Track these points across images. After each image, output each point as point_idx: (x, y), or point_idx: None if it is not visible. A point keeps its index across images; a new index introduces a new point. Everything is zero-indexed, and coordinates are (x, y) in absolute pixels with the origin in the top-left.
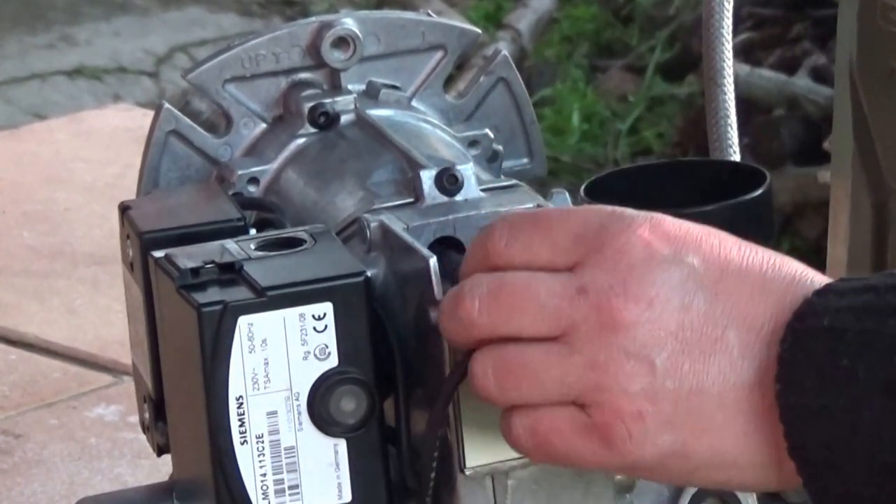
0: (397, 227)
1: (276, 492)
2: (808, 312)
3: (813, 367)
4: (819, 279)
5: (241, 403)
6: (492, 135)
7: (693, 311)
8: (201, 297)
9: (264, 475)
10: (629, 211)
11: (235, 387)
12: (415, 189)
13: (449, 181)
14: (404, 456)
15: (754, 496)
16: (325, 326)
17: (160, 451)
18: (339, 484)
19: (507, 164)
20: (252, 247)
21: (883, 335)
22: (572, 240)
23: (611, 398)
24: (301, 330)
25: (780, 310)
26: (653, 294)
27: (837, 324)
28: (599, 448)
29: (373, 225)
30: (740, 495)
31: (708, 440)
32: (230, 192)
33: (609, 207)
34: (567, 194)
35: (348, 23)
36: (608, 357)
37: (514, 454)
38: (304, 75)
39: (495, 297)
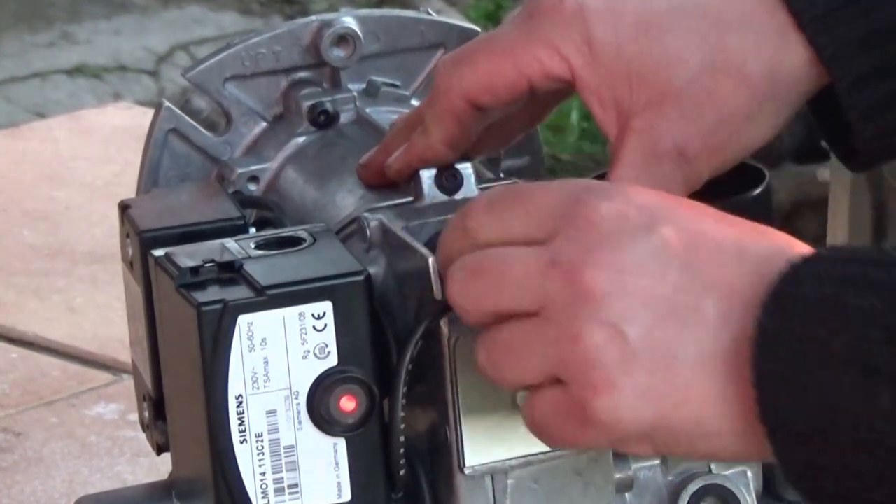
0: (397, 225)
1: (276, 490)
2: (792, 278)
3: (790, 335)
4: (804, 248)
5: (241, 402)
6: None
7: (667, 280)
8: (201, 296)
9: (263, 474)
10: (605, 183)
11: (235, 386)
12: (414, 188)
13: (448, 180)
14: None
15: (754, 496)
16: (325, 325)
17: (160, 449)
18: (339, 483)
19: (506, 162)
20: (252, 246)
21: (860, 309)
22: (547, 213)
23: (586, 371)
24: (301, 329)
25: (761, 277)
26: (625, 264)
27: (819, 293)
28: (581, 426)
29: (372, 224)
30: (740, 494)
31: (688, 410)
32: (230, 191)
33: (585, 181)
34: None
35: (348, 21)
36: (580, 329)
37: (514, 453)
38: (304, 74)
39: (473, 277)
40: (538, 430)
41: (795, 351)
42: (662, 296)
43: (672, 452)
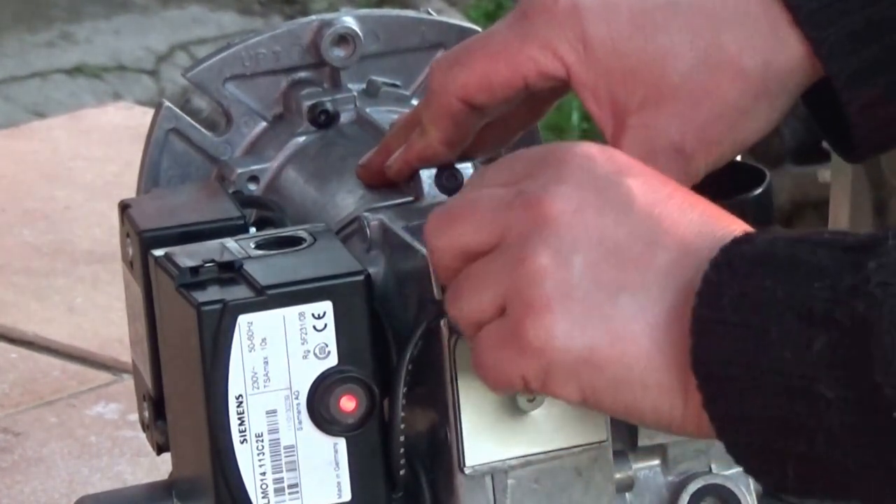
0: (397, 225)
1: (276, 490)
2: (744, 239)
3: (735, 285)
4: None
5: (241, 402)
6: None
7: (623, 225)
8: (201, 296)
9: (264, 474)
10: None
11: (235, 385)
12: (414, 188)
13: (448, 180)
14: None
15: (754, 496)
16: (325, 325)
17: (160, 449)
18: (339, 483)
19: None
20: (252, 245)
21: (810, 263)
22: (526, 160)
23: (525, 291)
24: (301, 329)
25: (715, 237)
26: (585, 200)
27: (769, 249)
28: (514, 354)
29: (372, 223)
30: (740, 494)
31: (620, 350)
32: (230, 191)
33: (573, 143)
34: None
35: (348, 21)
36: (527, 251)
37: (514, 453)
38: (304, 74)
39: (446, 212)
40: (480, 368)
41: (736, 300)
42: (615, 237)
43: (597, 399)
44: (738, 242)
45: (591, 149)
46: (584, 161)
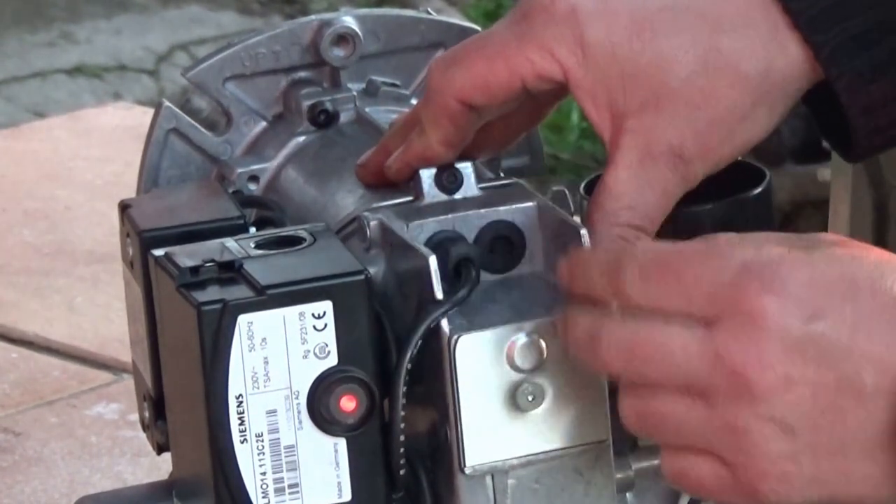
0: (397, 225)
1: (276, 490)
2: None
3: None
4: None
5: (241, 402)
6: None
7: (829, 372)
8: (201, 296)
9: (264, 474)
10: (762, 262)
11: (235, 385)
12: (414, 187)
13: (448, 179)
14: (396, 454)
15: None
16: (325, 325)
17: (160, 449)
18: (339, 483)
19: (506, 162)
20: (252, 245)
21: None
22: (706, 295)
23: (754, 461)
24: (301, 328)
25: None
26: (788, 363)
27: None
28: (747, 500)
29: (372, 223)
30: None
31: (855, 489)
32: (230, 191)
33: (739, 256)
34: (567, 192)
35: (348, 21)
36: (747, 423)
37: (514, 453)
38: (303, 73)
39: (631, 349)
40: (685, 485)
41: None
42: (825, 386)
43: None
44: None
45: (778, 295)
46: (777, 318)
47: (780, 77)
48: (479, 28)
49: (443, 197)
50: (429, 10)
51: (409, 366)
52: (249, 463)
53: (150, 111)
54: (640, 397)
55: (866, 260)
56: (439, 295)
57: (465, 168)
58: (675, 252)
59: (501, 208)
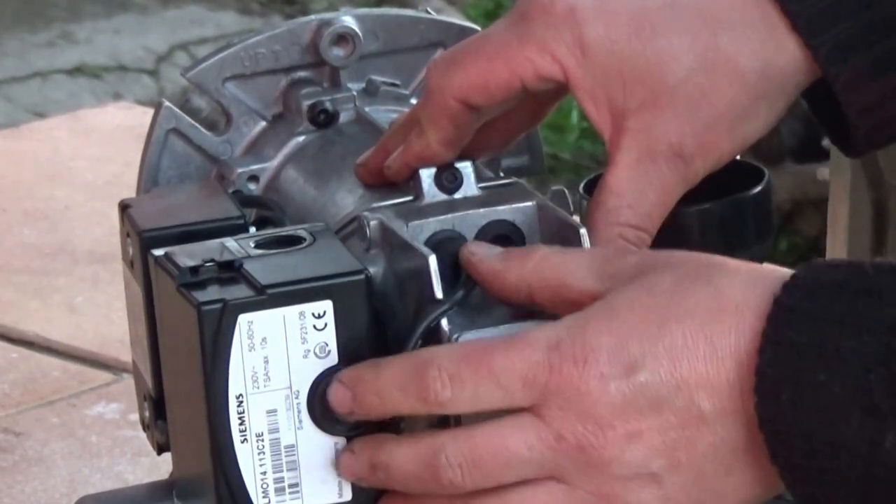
0: (397, 225)
1: (276, 490)
2: (784, 320)
3: (790, 382)
4: (783, 274)
5: (241, 402)
6: None
7: (666, 414)
8: (201, 296)
9: (264, 473)
10: (565, 335)
11: (235, 385)
12: (414, 187)
13: (448, 179)
14: None
15: None
16: (325, 324)
17: (160, 449)
18: (339, 482)
19: (506, 161)
20: (252, 245)
21: (861, 353)
22: (522, 382)
23: None
24: (301, 328)
25: (742, 331)
26: (625, 420)
27: (813, 338)
28: None
29: (372, 223)
30: None
31: (731, 500)
32: (230, 190)
33: (542, 335)
34: (566, 191)
35: (348, 20)
36: (612, 488)
37: None
38: (303, 73)
39: (476, 463)
40: None
41: (796, 396)
42: (668, 427)
43: None
44: (776, 327)
45: (588, 363)
46: (597, 383)
47: (779, 75)
48: (478, 28)
49: (442, 196)
50: (428, 9)
51: None
52: (250, 462)
53: (150, 111)
54: (502, 500)
55: (670, 287)
56: (439, 294)
57: (465, 168)
58: (477, 349)
59: (501, 208)
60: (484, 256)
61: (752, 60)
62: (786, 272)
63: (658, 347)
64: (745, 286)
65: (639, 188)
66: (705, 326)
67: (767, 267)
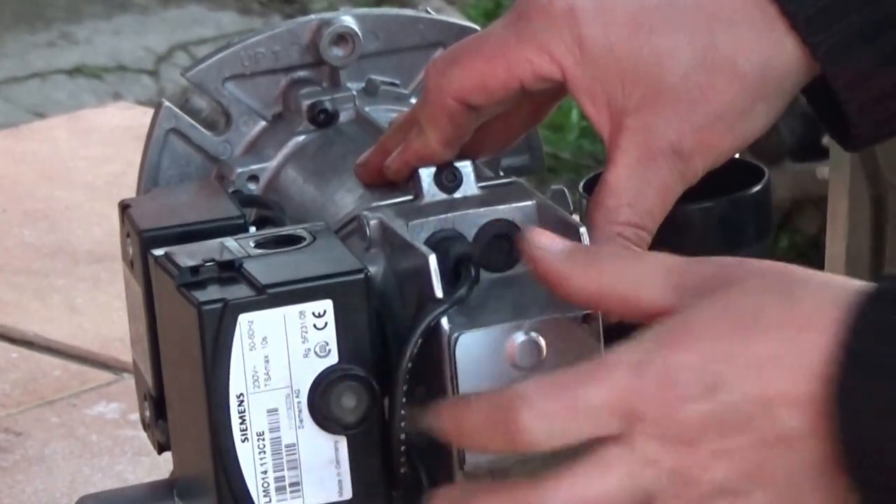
0: (397, 224)
1: (277, 489)
2: (866, 333)
3: (874, 400)
4: (842, 290)
5: (242, 401)
6: None
7: (750, 433)
8: (201, 296)
9: (265, 472)
10: (645, 359)
11: (236, 384)
12: (414, 186)
13: (448, 178)
14: (396, 452)
15: None
16: (326, 324)
17: (161, 448)
18: (340, 481)
19: (505, 160)
20: (252, 244)
21: None
22: (609, 412)
23: None
24: (301, 327)
25: (825, 346)
26: (709, 441)
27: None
28: None
29: (372, 222)
30: None
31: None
32: (230, 190)
33: (623, 361)
34: (566, 191)
35: (347, 20)
36: None
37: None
38: (303, 73)
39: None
40: None
41: (881, 413)
42: (752, 445)
43: None
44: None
45: (674, 383)
46: (679, 400)
47: (778, 73)
48: (478, 27)
49: (442, 196)
50: (428, 9)
51: (410, 364)
52: (250, 462)
53: (150, 111)
54: None
55: (749, 302)
56: (439, 293)
57: (465, 167)
58: (558, 384)
59: (501, 207)
60: (548, 251)
61: (752, 59)
62: (862, 284)
63: (741, 365)
64: (826, 299)
65: (638, 187)
66: (787, 342)
67: (843, 279)
